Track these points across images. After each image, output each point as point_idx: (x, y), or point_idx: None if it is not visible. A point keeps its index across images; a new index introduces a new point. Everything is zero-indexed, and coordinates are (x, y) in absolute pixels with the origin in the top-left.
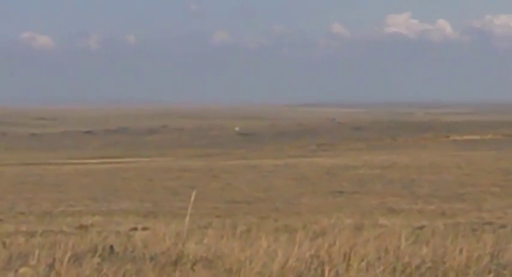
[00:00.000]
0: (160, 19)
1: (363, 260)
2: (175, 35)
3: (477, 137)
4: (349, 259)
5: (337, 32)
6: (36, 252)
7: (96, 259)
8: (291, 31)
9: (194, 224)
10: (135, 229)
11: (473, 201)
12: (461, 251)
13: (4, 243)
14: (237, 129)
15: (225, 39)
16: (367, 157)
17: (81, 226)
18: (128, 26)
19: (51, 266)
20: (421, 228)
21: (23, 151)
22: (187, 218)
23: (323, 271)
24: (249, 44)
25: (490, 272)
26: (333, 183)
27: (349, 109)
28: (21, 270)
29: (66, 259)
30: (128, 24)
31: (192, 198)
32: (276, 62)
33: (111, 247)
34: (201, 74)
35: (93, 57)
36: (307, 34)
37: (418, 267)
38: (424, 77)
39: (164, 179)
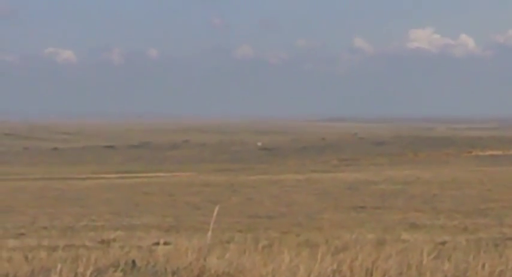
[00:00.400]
0: (183, 33)
1: (384, 275)
2: (198, 49)
3: (500, 152)
4: (371, 275)
5: (360, 46)
6: (59, 267)
7: (119, 274)
8: (313, 45)
9: (216, 239)
10: (157, 244)
11: (495, 217)
12: (483, 266)
13: (26, 257)
14: (259, 144)
15: (247, 53)
16: (389, 173)
17: (103, 241)
18: (150, 40)
19: None
20: (443, 243)
21: (45, 165)
22: (210, 233)
23: None
24: (272, 58)
25: None
26: (354, 198)
27: (371, 124)
28: None
29: (89, 273)
30: (150, 38)
31: (215, 213)
32: (298, 76)
33: (133, 261)
34: (224, 89)
35: (116, 72)
36: (329, 48)
37: None
38: (446, 92)
39: (186, 194)
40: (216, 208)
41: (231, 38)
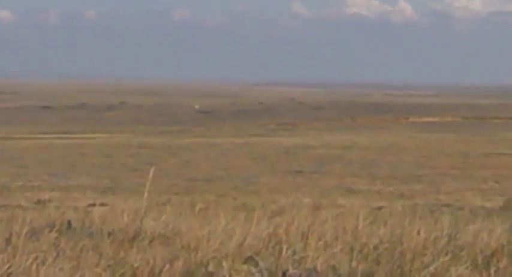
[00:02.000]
0: None
1: (320, 239)
2: (136, 11)
3: (436, 119)
4: (307, 238)
5: (298, 11)
6: None
7: (54, 234)
8: (252, 9)
9: (152, 201)
10: (93, 205)
11: (431, 183)
12: (418, 232)
13: None
14: (196, 107)
15: (185, 16)
16: (327, 138)
17: (39, 201)
18: (87, 1)
19: (7, 240)
20: (379, 208)
21: None
22: (146, 195)
23: (281, 249)
24: (209, 22)
25: (447, 253)
26: (292, 163)
27: (309, 89)
28: None
29: (23, 233)
30: None
31: (151, 175)
32: (236, 40)
33: (69, 222)
34: (162, 51)
35: (53, 32)
36: (268, 13)
37: (375, 247)
38: (383, 59)
39: (123, 156)
40: (152, 170)
41: (169, 0)
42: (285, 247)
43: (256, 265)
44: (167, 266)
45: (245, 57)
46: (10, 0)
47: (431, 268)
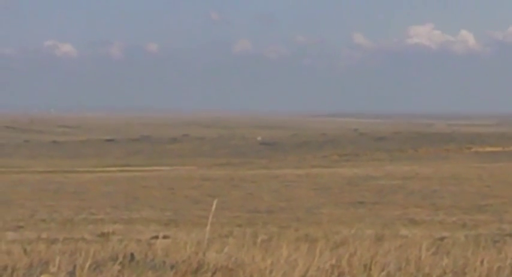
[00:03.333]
0: (182, 27)
1: (383, 270)
2: (197, 43)
3: (499, 149)
4: (370, 270)
5: (359, 42)
6: (57, 259)
7: (117, 267)
8: (312, 41)
9: (215, 233)
10: (156, 237)
11: (494, 213)
12: (482, 262)
13: (25, 250)
14: (259, 138)
15: (246, 48)
16: (389, 168)
17: (102, 234)
18: (149, 35)
19: (71, 273)
20: (442, 239)
21: (45, 158)
22: (208, 227)
23: None
24: (271, 53)
25: None
26: (354, 194)
27: (371, 119)
28: None
29: (87, 266)
30: (149, 32)
31: (213, 207)
32: (297, 71)
33: (132, 255)
34: (223, 83)
35: (115, 66)
36: (329, 44)
37: None
38: (445, 89)
39: (185, 188)
40: (215, 202)
41: (229, 33)
42: None
43: None
44: None
45: (307, 88)
46: (72, 33)
47: None
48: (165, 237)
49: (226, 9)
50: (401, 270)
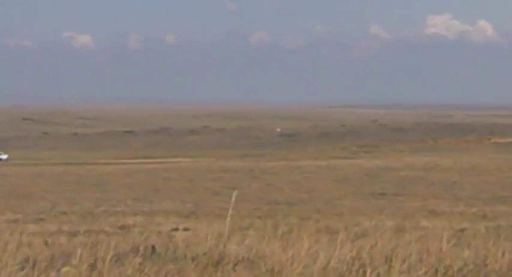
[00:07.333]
0: (199, 19)
1: (404, 262)
2: (214, 34)
3: None
4: (390, 261)
5: (376, 32)
6: (78, 252)
7: (138, 259)
8: (330, 32)
9: (235, 225)
10: (177, 229)
11: None
12: (503, 254)
13: (46, 242)
14: (278, 130)
15: (264, 39)
16: (409, 159)
17: (123, 226)
18: (166, 26)
19: (93, 265)
20: (463, 230)
21: (65, 150)
22: (228, 219)
23: (364, 272)
24: (288, 44)
25: None
26: (374, 185)
27: (390, 110)
28: (64, 269)
29: (108, 258)
30: (166, 24)
31: (233, 199)
32: (315, 62)
33: (153, 247)
34: (241, 74)
35: (133, 57)
36: (346, 35)
37: (460, 270)
38: (463, 79)
39: (205, 180)
40: (234, 194)
41: (246, 24)
42: (369, 270)
43: None
44: None
45: (324, 79)
46: (90, 24)
47: None
48: (185, 229)
49: (242, 0)
50: (423, 261)
